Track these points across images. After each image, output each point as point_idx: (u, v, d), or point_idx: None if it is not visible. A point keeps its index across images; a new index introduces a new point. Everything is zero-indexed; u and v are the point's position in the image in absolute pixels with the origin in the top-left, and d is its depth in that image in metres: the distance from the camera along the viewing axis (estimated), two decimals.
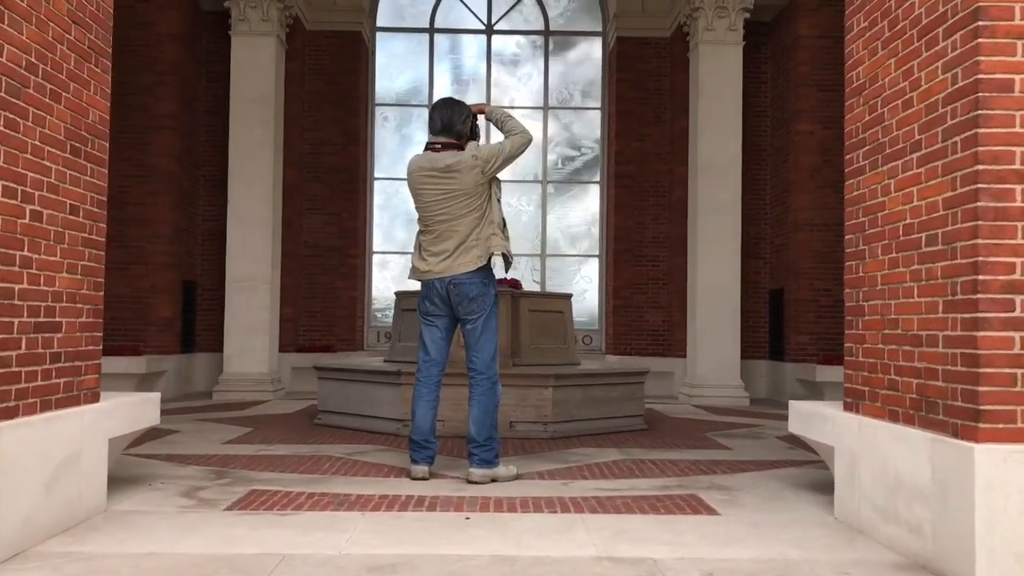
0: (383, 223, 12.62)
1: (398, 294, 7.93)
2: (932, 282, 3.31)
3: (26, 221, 3.41)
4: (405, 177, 5.05)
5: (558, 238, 12.55)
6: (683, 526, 3.86)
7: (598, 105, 12.58)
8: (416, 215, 5.04)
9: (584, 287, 12.46)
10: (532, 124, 12.58)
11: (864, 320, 3.90)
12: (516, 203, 12.60)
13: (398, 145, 12.67)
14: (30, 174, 3.43)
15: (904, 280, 3.53)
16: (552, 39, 12.66)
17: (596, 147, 12.56)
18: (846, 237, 4.10)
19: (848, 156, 4.09)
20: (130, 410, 4.42)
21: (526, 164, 12.57)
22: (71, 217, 3.80)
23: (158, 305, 9.96)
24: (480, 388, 4.88)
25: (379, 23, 12.56)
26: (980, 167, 3.02)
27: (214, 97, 10.84)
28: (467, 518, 3.96)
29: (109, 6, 4.29)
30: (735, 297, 10.09)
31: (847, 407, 4.09)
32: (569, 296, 7.82)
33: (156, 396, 4.84)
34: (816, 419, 4.39)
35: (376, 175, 12.50)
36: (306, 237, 11.55)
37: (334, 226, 11.60)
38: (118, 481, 4.65)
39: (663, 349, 11.59)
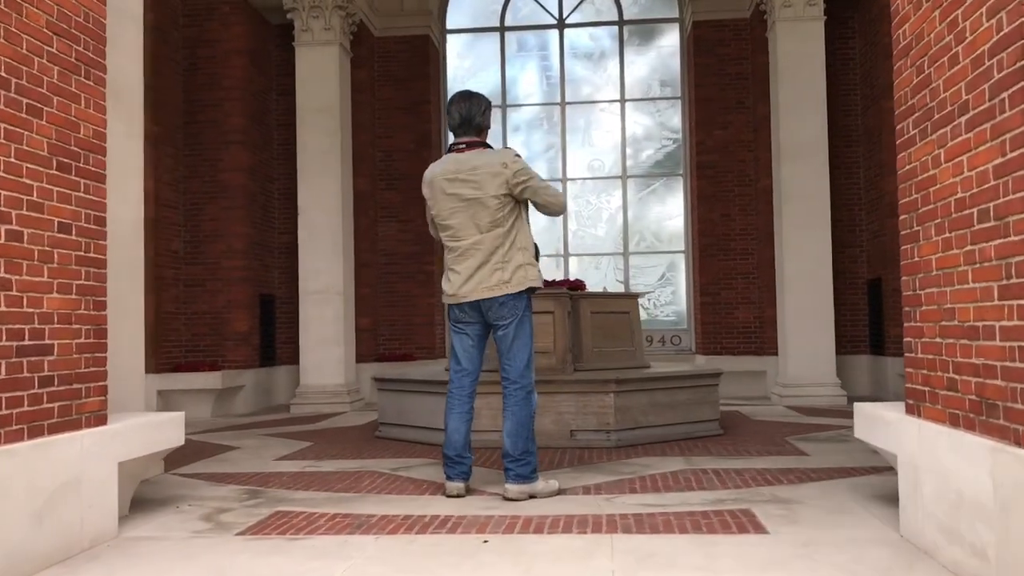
0: None
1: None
2: (986, 264, 2.83)
3: (1, 241, 3.28)
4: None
5: (641, 235, 12.10)
6: (722, 548, 3.46)
7: (677, 94, 12.08)
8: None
9: (671, 285, 11.98)
10: (610, 119, 12.19)
11: (922, 311, 3.42)
12: (596, 201, 12.22)
13: None
14: (3, 192, 3.30)
15: (958, 263, 3.05)
16: (627, 29, 12.23)
17: (677, 138, 12.06)
18: (900, 218, 3.62)
19: (899, 126, 3.61)
20: (145, 432, 4.27)
21: (605, 159, 12.18)
22: (61, 235, 3.67)
23: (234, 320, 10.01)
24: (514, 398, 4.56)
25: (448, 25, 12.39)
26: None
27: (286, 110, 10.84)
28: (485, 541, 3.65)
29: (101, 16, 4.14)
30: (827, 288, 9.46)
31: (909, 410, 3.61)
32: (635, 296, 7.42)
33: (179, 416, 4.70)
34: (879, 423, 3.92)
35: None
36: (382, 245, 11.47)
37: (409, 233, 11.47)
38: (145, 504, 4.53)
39: (755, 347, 11.01)
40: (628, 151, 12.12)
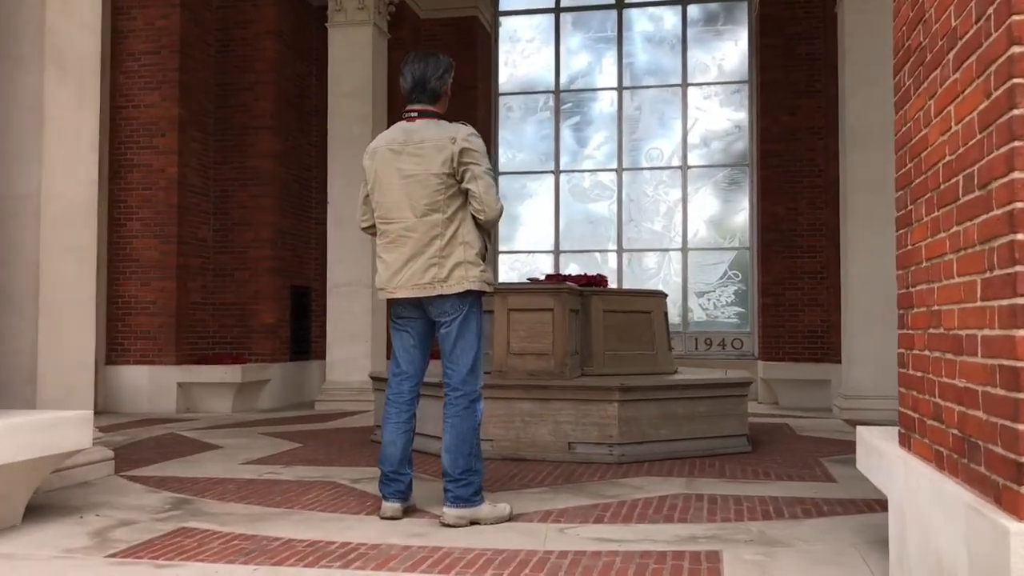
0: (507, 221, 11.82)
1: None
2: (969, 250, 2.07)
3: None
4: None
5: (701, 230, 11.24)
6: None
7: (743, 78, 11.18)
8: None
9: (733, 284, 11.10)
10: (669, 106, 11.38)
11: (912, 314, 2.67)
12: (653, 193, 11.42)
13: (519, 137, 11.82)
14: None
15: (944, 251, 2.28)
16: (692, 9, 11.39)
17: (742, 126, 11.16)
18: (896, 195, 2.85)
19: (896, 79, 2.85)
20: (31, 434, 3.79)
21: (663, 147, 11.37)
22: None
23: (261, 312, 9.63)
24: (454, 408, 3.90)
25: (501, 7, 11.78)
26: (1016, 50, 1.77)
27: (324, 95, 10.39)
28: None
29: None
30: (895, 291, 8.45)
31: (901, 441, 2.85)
32: (660, 295, 6.65)
33: (82, 416, 4.22)
34: (874, 455, 3.16)
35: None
36: None
37: None
38: (51, 512, 4.09)
39: (821, 354, 10.05)
40: (689, 140, 11.27)
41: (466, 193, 3.84)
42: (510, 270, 11.80)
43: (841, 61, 8.89)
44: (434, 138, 3.81)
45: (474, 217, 3.84)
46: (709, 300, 11.14)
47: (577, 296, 6.01)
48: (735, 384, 6.08)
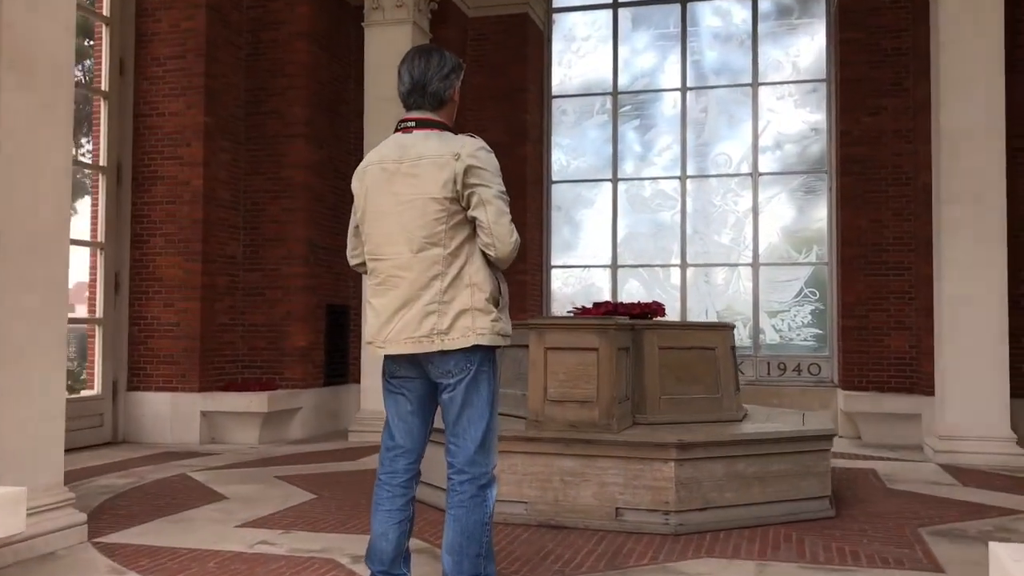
0: (561, 233, 10.98)
1: None
2: None
3: None
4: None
5: (775, 243, 10.24)
6: None
7: (821, 76, 10.16)
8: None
9: (810, 303, 10.08)
10: (739, 107, 10.41)
11: None
12: (721, 202, 10.46)
13: (574, 142, 10.96)
14: None
15: None
16: (761, 1, 10.41)
17: (820, 129, 10.14)
18: None
19: None
20: None
21: (731, 153, 10.41)
22: None
23: (293, 334, 8.95)
24: (459, 496, 3.09)
25: (555, 3, 10.94)
26: None
27: (361, 100, 9.68)
28: None
29: None
30: (999, 315, 7.40)
31: None
32: (726, 327, 5.73)
33: (17, 493, 3.48)
34: None
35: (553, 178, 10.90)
36: None
37: None
38: None
39: (910, 383, 8.98)
40: (761, 144, 10.29)
41: (474, 222, 3.03)
42: (564, 286, 10.95)
43: (935, 57, 7.85)
44: (434, 154, 3.02)
45: (487, 244, 3.03)
46: (783, 320, 10.14)
47: (628, 331, 5.14)
48: (816, 437, 5.14)
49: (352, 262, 3.35)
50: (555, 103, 10.94)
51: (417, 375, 3.16)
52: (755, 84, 10.31)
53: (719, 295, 10.36)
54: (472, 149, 3.02)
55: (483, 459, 3.09)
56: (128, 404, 8.47)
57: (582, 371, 4.84)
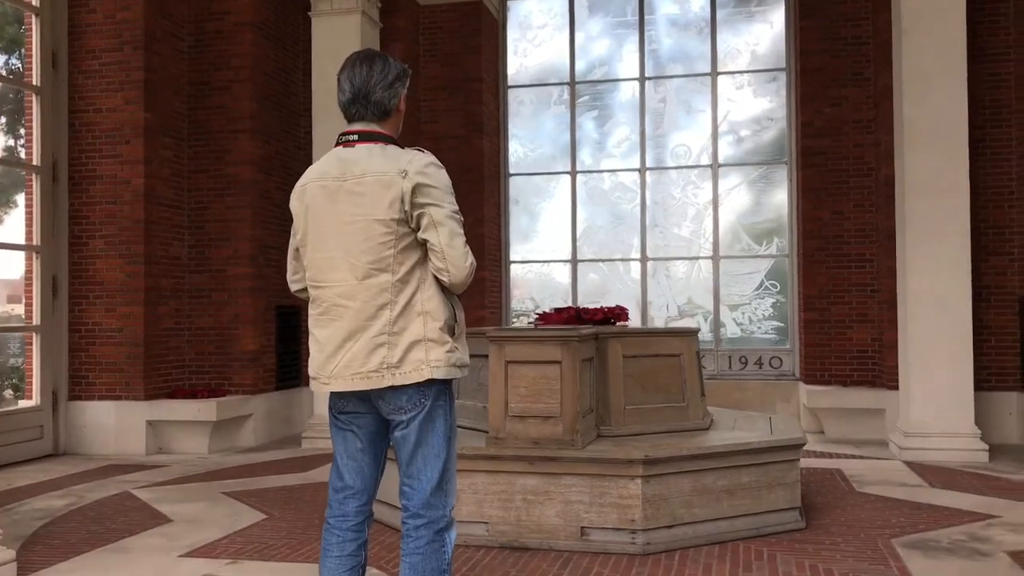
0: (519, 228, 10.74)
1: None
2: None
3: None
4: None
5: (735, 235, 10.10)
6: None
7: (781, 66, 10.01)
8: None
9: (771, 296, 9.96)
10: (697, 97, 10.23)
11: None
12: (680, 195, 10.29)
13: (531, 134, 10.71)
14: None
15: None
16: None
17: (780, 119, 10.00)
18: None
19: None
20: None
21: (690, 144, 10.23)
22: None
23: (242, 337, 8.61)
24: (414, 542, 2.83)
25: None
26: None
27: (311, 93, 9.35)
28: None
29: None
30: (964, 309, 7.31)
31: None
32: (690, 332, 5.53)
33: None
34: None
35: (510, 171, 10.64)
36: None
37: None
38: None
39: (872, 376, 8.90)
40: (721, 134, 10.12)
41: (424, 245, 2.77)
42: (523, 279, 10.72)
43: (897, 45, 7.71)
44: (379, 171, 2.73)
45: (440, 269, 2.76)
46: (744, 314, 10.00)
47: (591, 341, 4.93)
48: (786, 447, 4.97)
49: (293, 288, 3.07)
50: (511, 93, 10.67)
51: (367, 410, 2.89)
52: (714, 73, 10.13)
53: (679, 289, 10.20)
54: (420, 165, 2.73)
55: (440, 501, 2.84)
56: (69, 414, 8.10)
57: (544, 385, 4.62)
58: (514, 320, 10.58)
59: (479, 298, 9.87)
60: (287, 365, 9.21)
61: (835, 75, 9.13)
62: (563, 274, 10.53)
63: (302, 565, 4.37)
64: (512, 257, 10.65)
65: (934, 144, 7.40)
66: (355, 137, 2.84)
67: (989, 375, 8.16)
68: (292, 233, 2.98)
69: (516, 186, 10.68)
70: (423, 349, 2.74)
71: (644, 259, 10.25)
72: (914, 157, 7.48)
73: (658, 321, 10.18)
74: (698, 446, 4.71)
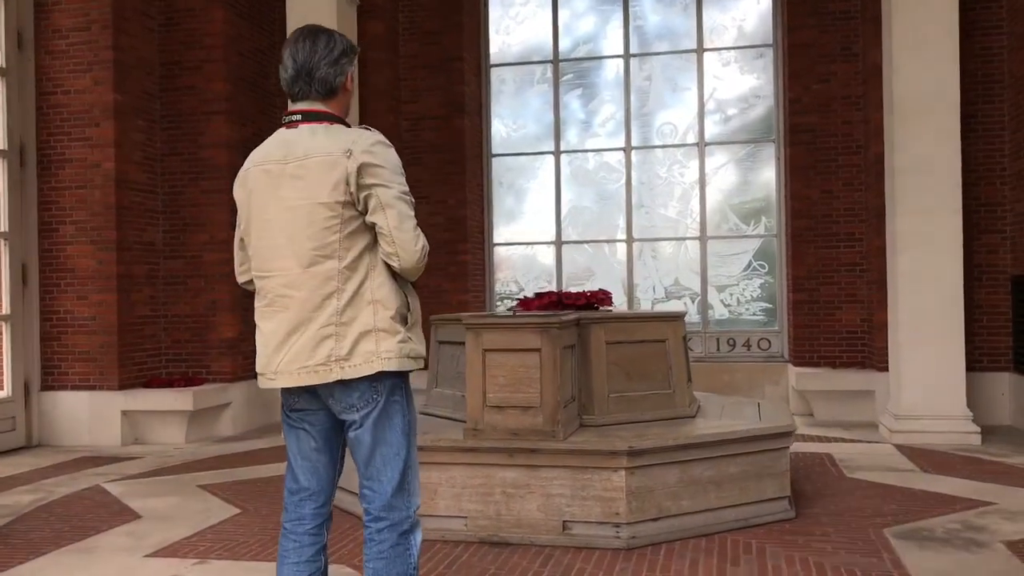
0: (502, 209, 10.54)
1: (433, 320, 5.81)
2: None
3: None
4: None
5: (722, 215, 9.92)
6: None
7: (768, 42, 9.80)
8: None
9: (759, 277, 9.80)
10: (683, 74, 10.02)
11: None
12: (666, 174, 10.10)
13: (514, 113, 10.49)
14: None
15: None
16: None
17: (768, 95, 9.80)
18: None
19: None
20: None
21: (676, 122, 10.04)
22: None
23: (219, 324, 8.42)
24: (377, 546, 2.66)
25: None
26: None
27: None
28: None
29: None
30: (955, 289, 7.16)
31: None
32: (676, 317, 5.35)
33: None
34: None
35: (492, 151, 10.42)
36: None
37: (440, 216, 9.65)
38: None
39: (862, 358, 8.77)
40: (708, 112, 9.92)
41: (373, 229, 2.60)
42: (507, 260, 10.53)
43: (886, 19, 7.52)
44: (322, 151, 2.56)
45: (390, 254, 2.59)
46: (731, 295, 9.84)
47: (573, 327, 4.75)
48: (775, 435, 4.81)
49: (240, 279, 2.90)
50: (493, 72, 10.43)
51: (319, 406, 2.71)
52: (700, 50, 9.92)
53: (666, 270, 10.03)
54: (367, 144, 2.56)
55: (402, 502, 2.67)
56: (42, 405, 7.90)
57: (524, 374, 4.45)
58: (497, 304, 10.40)
59: (462, 281, 9.69)
60: None
61: (823, 51, 8.94)
62: (548, 256, 10.34)
63: (272, 564, 4.20)
64: (496, 239, 10.45)
65: (925, 120, 7.23)
66: (298, 117, 2.66)
67: (981, 355, 8.03)
68: (236, 222, 2.82)
69: (499, 167, 10.46)
70: (373, 340, 2.57)
71: (630, 240, 10.07)
72: (904, 133, 7.30)
73: (644, 303, 10.02)
74: (684, 436, 4.55)
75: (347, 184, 2.52)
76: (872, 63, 8.33)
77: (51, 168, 7.94)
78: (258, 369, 2.72)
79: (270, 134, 2.75)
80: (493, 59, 10.43)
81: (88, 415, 7.82)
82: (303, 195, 2.55)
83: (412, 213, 2.60)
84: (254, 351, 2.80)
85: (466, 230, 9.71)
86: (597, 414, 4.84)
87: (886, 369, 7.91)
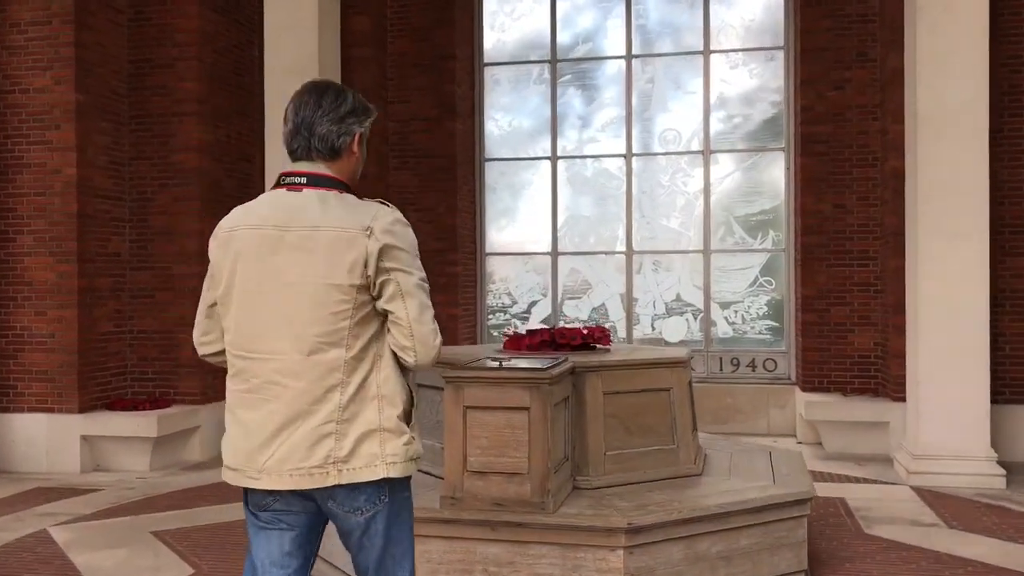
0: (495, 217, 9.98)
1: None
2: None
3: None
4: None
5: (728, 227, 9.37)
6: None
7: (779, 44, 9.23)
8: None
9: (766, 294, 9.26)
10: (688, 77, 9.46)
11: None
12: (669, 182, 9.54)
13: (508, 115, 9.92)
14: None
15: None
16: None
17: (778, 102, 9.24)
18: None
19: None
20: None
21: (680, 128, 9.48)
22: None
23: (188, 341, 7.77)
24: None
25: None
26: None
27: None
28: None
29: None
30: (982, 319, 6.64)
31: None
32: (681, 362, 4.80)
33: None
34: None
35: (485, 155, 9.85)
36: None
37: (429, 224, 9.08)
38: None
39: (875, 384, 8.24)
40: (714, 118, 9.36)
41: (383, 316, 2.29)
42: (500, 277, 9.98)
43: (910, 24, 6.96)
44: (336, 225, 2.23)
45: (395, 355, 2.30)
46: (736, 312, 9.30)
47: (567, 378, 4.21)
48: (791, 503, 4.28)
49: (204, 351, 2.50)
50: (487, 71, 9.86)
51: (302, 509, 2.34)
52: (707, 52, 9.35)
53: (668, 284, 9.49)
54: (387, 223, 2.26)
55: None
56: None
57: (510, 436, 3.90)
58: (489, 316, 9.85)
59: (452, 294, 9.13)
60: None
61: (839, 56, 8.37)
62: (543, 267, 9.79)
63: None
64: (488, 249, 9.89)
65: (952, 136, 6.68)
66: (302, 180, 2.33)
67: (1003, 387, 7.50)
68: (207, 283, 2.45)
69: (493, 172, 9.90)
70: (377, 441, 2.26)
71: (630, 252, 9.52)
72: (928, 149, 6.75)
73: (644, 319, 9.48)
74: (690, 508, 4.00)
75: (364, 266, 2.22)
76: (891, 69, 7.77)
77: (8, 173, 7.38)
78: (231, 463, 2.33)
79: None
80: (487, 57, 9.85)
81: (46, 440, 7.29)
82: (308, 272, 2.22)
83: (430, 303, 2.33)
84: (224, 371, 2.38)
85: (457, 239, 9.15)
86: (592, 475, 4.30)
87: (902, 399, 7.40)
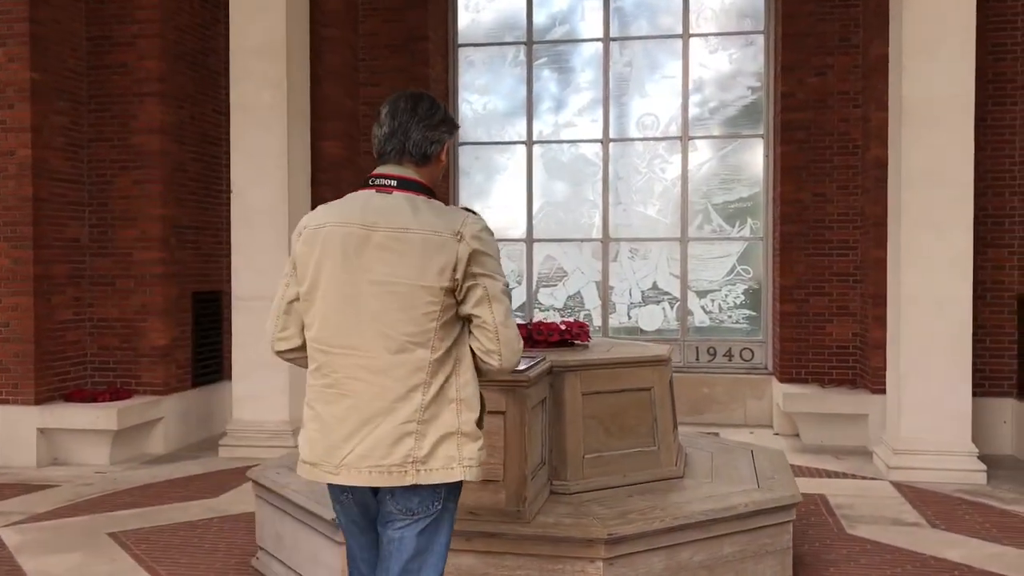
0: (470, 202, 9.75)
1: None
2: None
3: None
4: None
5: (705, 215, 9.20)
6: None
7: (759, 28, 9.05)
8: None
9: (743, 282, 9.12)
10: (667, 61, 9.26)
11: None
12: (647, 169, 9.36)
13: (483, 98, 9.67)
14: None
15: None
16: None
17: (758, 87, 9.07)
18: None
19: None
20: None
21: (658, 113, 9.28)
22: None
23: (151, 330, 7.59)
24: None
25: None
26: None
27: None
28: None
29: None
30: (964, 313, 6.53)
31: None
32: (662, 361, 4.63)
33: None
34: None
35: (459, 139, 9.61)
36: None
37: None
38: None
39: (853, 375, 8.13)
40: (692, 103, 9.17)
41: (466, 320, 2.40)
42: None
43: (896, 9, 6.80)
44: (428, 229, 2.31)
45: (474, 358, 2.42)
46: (713, 301, 9.16)
47: (545, 380, 4.02)
48: (777, 509, 4.12)
49: (280, 346, 2.54)
50: (461, 52, 9.60)
51: (366, 502, 2.45)
52: (685, 36, 9.15)
53: (644, 272, 9.32)
54: (476, 229, 2.36)
55: None
56: None
57: (487, 442, 3.70)
58: None
59: None
60: (205, 359, 8.19)
61: (820, 41, 8.19)
62: (518, 254, 9.58)
63: None
64: None
65: (936, 125, 6.54)
66: (393, 183, 2.41)
67: (982, 379, 7.41)
68: (287, 280, 2.49)
69: (467, 156, 9.66)
70: (455, 444, 2.35)
71: (606, 239, 9.33)
72: (912, 138, 6.61)
73: (620, 307, 9.32)
74: (673, 516, 3.83)
75: (454, 270, 2.30)
76: (874, 56, 7.61)
77: None
78: (308, 458, 2.39)
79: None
80: (462, 38, 9.58)
81: (0, 433, 7.00)
82: (398, 272, 2.30)
83: (510, 309, 2.43)
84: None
85: None
86: (570, 479, 4.13)
87: (881, 391, 7.29)
